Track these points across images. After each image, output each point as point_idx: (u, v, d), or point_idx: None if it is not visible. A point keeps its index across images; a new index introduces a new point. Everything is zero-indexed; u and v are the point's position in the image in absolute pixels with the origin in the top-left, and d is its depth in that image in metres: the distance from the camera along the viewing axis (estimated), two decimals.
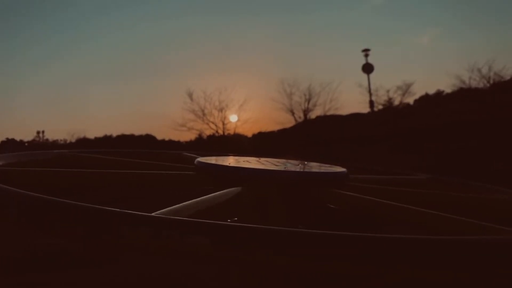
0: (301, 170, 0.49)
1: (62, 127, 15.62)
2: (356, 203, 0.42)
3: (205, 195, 0.37)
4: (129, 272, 0.41)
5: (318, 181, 0.47)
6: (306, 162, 0.61)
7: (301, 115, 10.49)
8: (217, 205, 0.37)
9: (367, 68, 8.80)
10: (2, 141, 10.99)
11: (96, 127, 18.30)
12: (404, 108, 9.30)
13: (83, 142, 11.07)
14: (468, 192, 0.61)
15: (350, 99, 15.03)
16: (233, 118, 10.93)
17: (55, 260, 0.43)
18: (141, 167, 0.57)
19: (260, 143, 8.78)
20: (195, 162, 0.52)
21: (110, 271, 0.41)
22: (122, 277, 0.41)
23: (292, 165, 0.53)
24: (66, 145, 11.47)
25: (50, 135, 12.41)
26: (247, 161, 0.55)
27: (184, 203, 0.33)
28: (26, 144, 11.69)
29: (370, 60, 8.78)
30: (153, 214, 0.26)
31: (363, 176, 0.62)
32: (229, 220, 0.46)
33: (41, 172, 0.44)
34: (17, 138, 11.89)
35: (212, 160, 0.53)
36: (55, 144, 11.67)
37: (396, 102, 9.64)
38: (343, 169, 0.52)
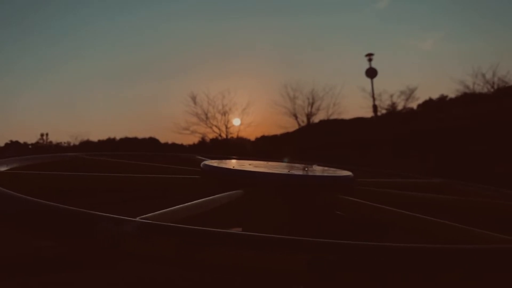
0: (306, 174, 0.49)
1: (65, 129, 15.68)
2: (363, 209, 0.41)
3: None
4: (123, 276, 0.42)
5: (325, 185, 0.47)
6: (311, 166, 0.60)
7: (304, 119, 10.51)
8: (215, 208, 0.35)
9: (371, 73, 8.79)
10: (6, 144, 11.04)
11: (99, 130, 18.33)
12: (408, 112, 9.28)
13: (86, 145, 11.11)
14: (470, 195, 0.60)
15: (353, 104, 15.01)
16: (236, 121, 10.96)
17: (50, 262, 0.43)
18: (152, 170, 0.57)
19: (263, 147, 8.77)
20: (201, 165, 0.52)
21: (105, 274, 0.42)
22: (117, 280, 0.41)
23: (296, 169, 0.53)
24: (70, 148, 11.50)
25: (54, 138, 12.44)
26: (252, 164, 0.56)
27: (180, 206, 0.32)
28: (30, 146, 11.73)
29: (374, 64, 8.78)
30: (137, 218, 0.25)
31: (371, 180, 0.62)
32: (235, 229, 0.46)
33: (49, 175, 0.43)
34: (21, 141, 11.96)
35: (214, 163, 0.53)
36: (58, 147, 11.70)
37: (400, 107, 9.65)
38: (349, 173, 0.52)
